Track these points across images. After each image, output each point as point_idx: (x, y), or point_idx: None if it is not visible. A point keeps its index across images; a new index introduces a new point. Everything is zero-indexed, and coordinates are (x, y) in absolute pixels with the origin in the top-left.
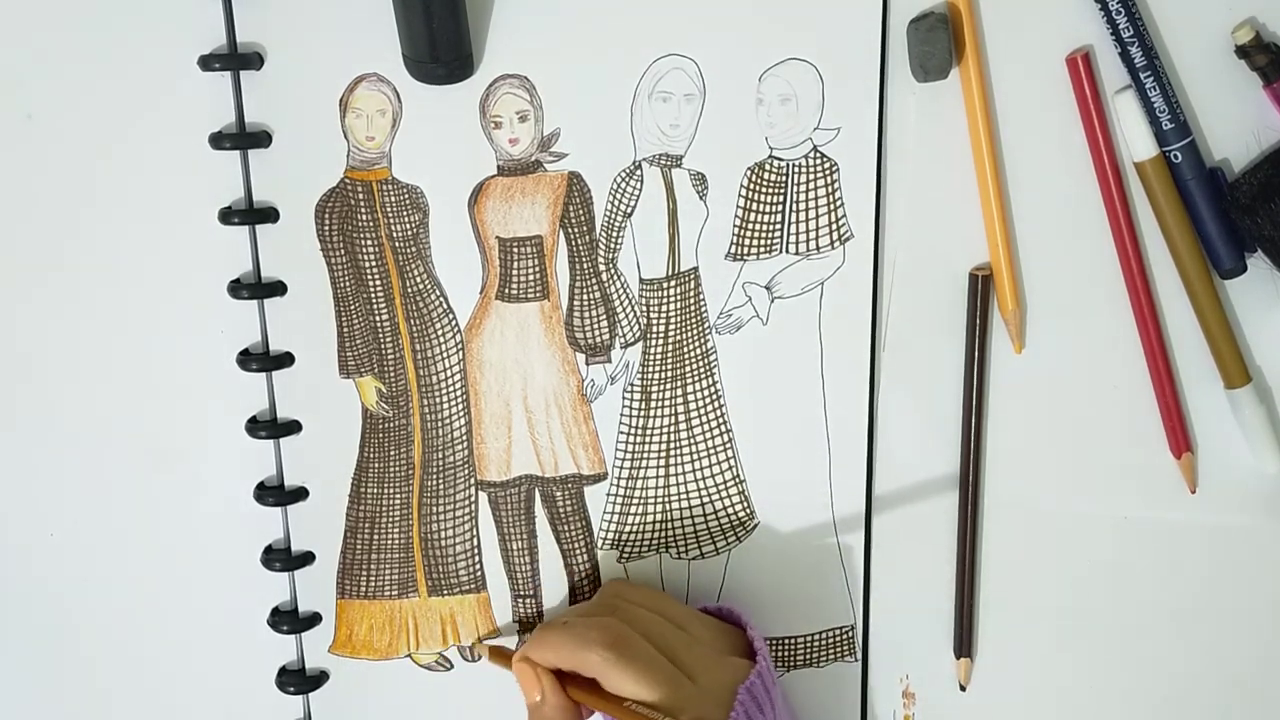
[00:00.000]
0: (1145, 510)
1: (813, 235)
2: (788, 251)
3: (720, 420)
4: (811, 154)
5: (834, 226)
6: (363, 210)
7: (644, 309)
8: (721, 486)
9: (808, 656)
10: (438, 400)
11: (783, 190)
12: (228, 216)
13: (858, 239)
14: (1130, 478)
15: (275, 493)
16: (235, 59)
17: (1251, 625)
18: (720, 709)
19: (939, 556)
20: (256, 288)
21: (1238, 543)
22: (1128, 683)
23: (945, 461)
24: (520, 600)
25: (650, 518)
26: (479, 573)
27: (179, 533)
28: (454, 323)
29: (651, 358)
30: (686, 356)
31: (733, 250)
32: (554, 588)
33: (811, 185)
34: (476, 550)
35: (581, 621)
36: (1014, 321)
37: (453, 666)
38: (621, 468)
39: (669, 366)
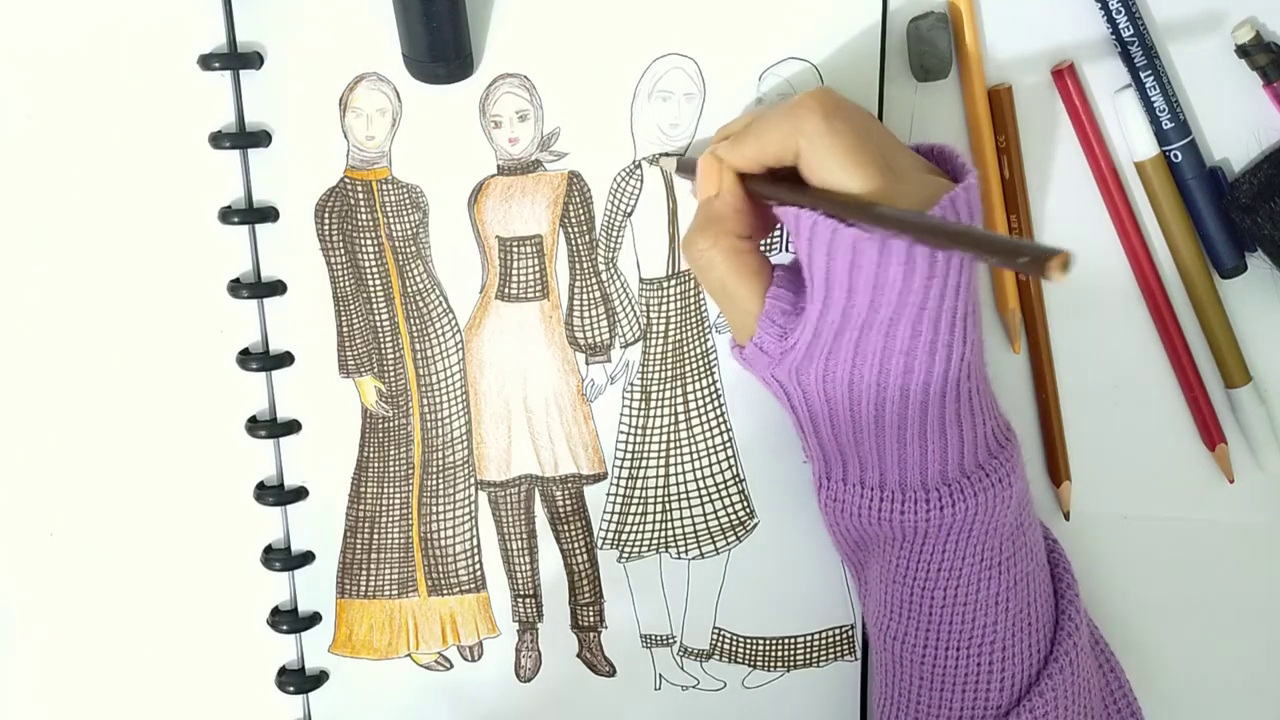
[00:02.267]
0: (1155, 508)
1: None
2: (787, 250)
3: (720, 420)
4: None
5: None
6: (362, 209)
7: (644, 308)
8: (721, 486)
9: (808, 656)
10: (437, 400)
11: None
12: (227, 216)
13: None
14: (1155, 475)
15: (275, 492)
16: (235, 58)
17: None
18: (923, 209)
19: None
20: (256, 287)
21: (1257, 539)
22: (1140, 682)
23: None
24: (520, 600)
25: (650, 517)
26: (479, 572)
27: (179, 532)
28: (454, 322)
29: (651, 357)
30: (686, 356)
31: None
32: (554, 587)
33: None
34: (476, 550)
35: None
36: (1013, 322)
37: (452, 666)
38: (621, 467)
39: (669, 366)
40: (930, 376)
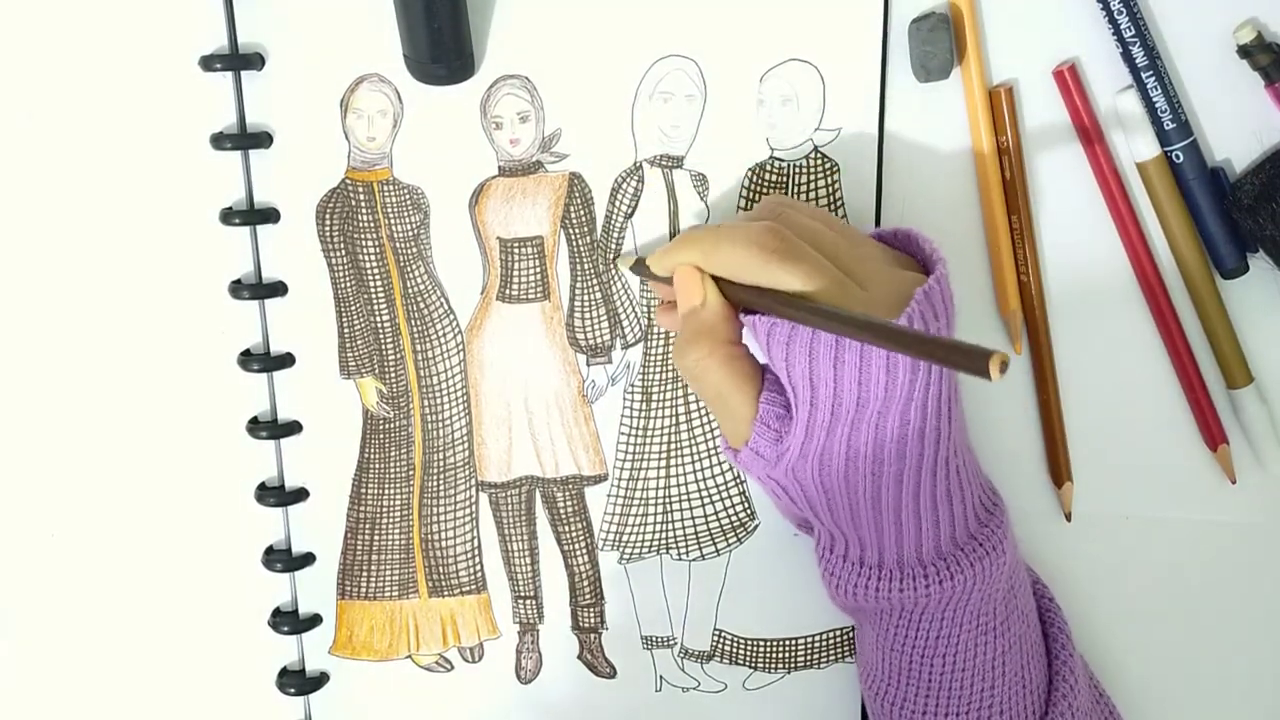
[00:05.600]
0: (1156, 509)
1: None
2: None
3: None
4: (812, 154)
5: None
6: (363, 211)
7: (645, 310)
8: (722, 487)
9: (808, 657)
10: (438, 401)
11: (784, 191)
12: (229, 217)
13: None
14: (1158, 475)
15: (276, 493)
16: (236, 59)
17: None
18: (891, 314)
19: None
20: (257, 288)
21: (1259, 540)
22: (1142, 684)
23: None
24: (521, 601)
25: (651, 518)
26: (479, 574)
27: (179, 533)
28: (455, 323)
29: (652, 358)
30: None
31: None
32: (555, 588)
33: (812, 186)
34: (477, 551)
35: (738, 224)
36: (1014, 322)
37: (453, 667)
38: (622, 468)
39: (670, 367)
40: (921, 460)
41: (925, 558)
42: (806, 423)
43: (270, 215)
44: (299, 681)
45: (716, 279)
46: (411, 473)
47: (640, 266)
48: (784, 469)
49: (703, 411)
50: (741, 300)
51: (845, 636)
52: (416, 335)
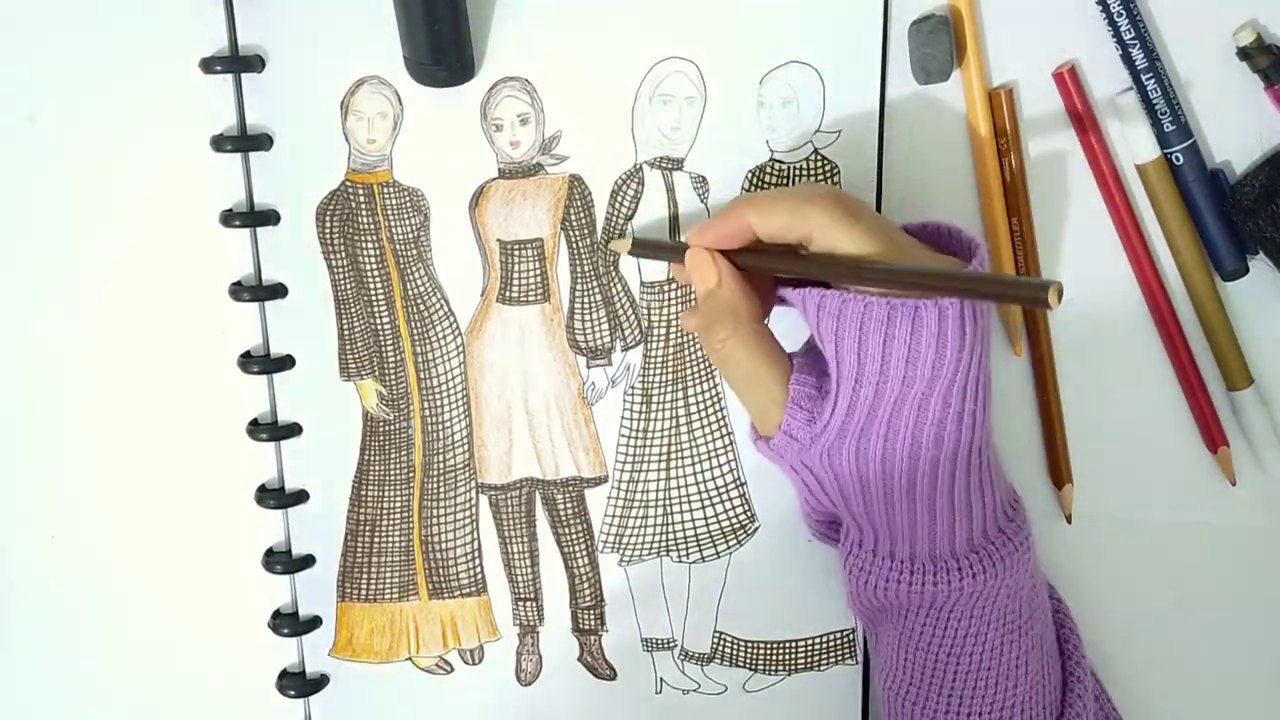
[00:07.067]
0: (1156, 511)
1: None
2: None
3: (721, 423)
4: (812, 157)
5: None
6: (364, 213)
7: (645, 312)
8: (722, 489)
9: (809, 660)
10: (438, 403)
11: None
12: (229, 219)
13: None
14: (1159, 477)
15: (276, 495)
16: (237, 61)
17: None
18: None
19: None
20: (257, 290)
21: (1259, 541)
22: (1142, 685)
23: None
24: (521, 603)
25: (651, 520)
26: (480, 576)
27: (179, 535)
28: (455, 325)
29: (652, 360)
30: (687, 359)
31: None
32: (555, 591)
33: None
34: (477, 553)
35: (786, 189)
36: (1015, 324)
37: (453, 670)
38: (622, 470)
39: (670, 369)
40: (958, 446)
41: (958, 550)
42: (850, 400)
43: (270, 217)
44: (299, 683)
45: (740, 261)
46: (411, 475)
47: (642, 247)
48: (818, 452)
49: (703, 413)
50: (784, 270)
51: (846, 639)
52: (416, 337)
